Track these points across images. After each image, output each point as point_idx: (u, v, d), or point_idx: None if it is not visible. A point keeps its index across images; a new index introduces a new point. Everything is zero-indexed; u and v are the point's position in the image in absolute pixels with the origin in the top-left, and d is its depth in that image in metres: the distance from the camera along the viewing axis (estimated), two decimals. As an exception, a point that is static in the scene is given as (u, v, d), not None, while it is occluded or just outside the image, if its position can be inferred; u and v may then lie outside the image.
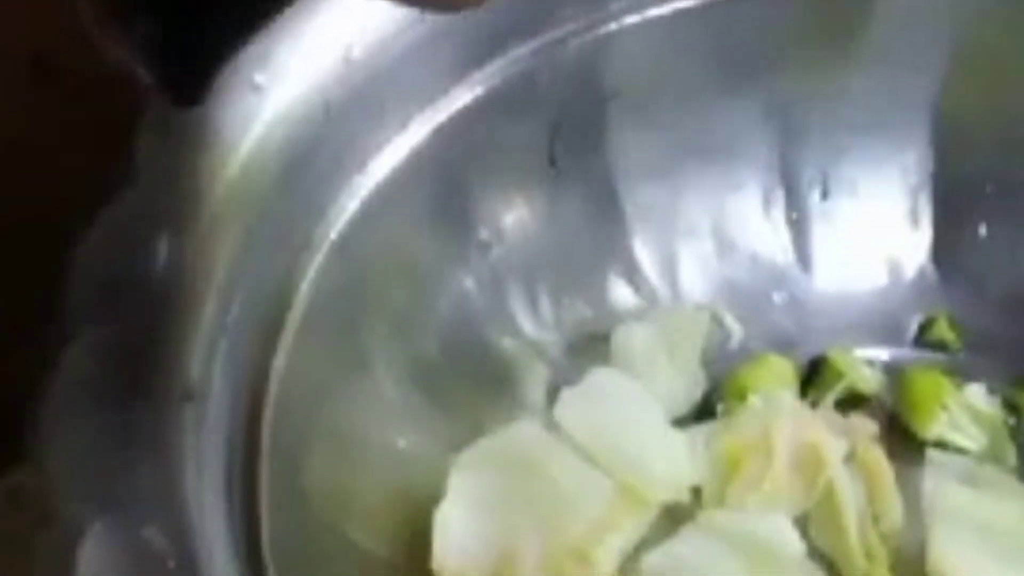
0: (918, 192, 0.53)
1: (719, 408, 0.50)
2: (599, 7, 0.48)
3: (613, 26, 0.48)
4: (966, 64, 0.50)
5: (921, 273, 0.53)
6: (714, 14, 0.49)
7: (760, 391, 0.49)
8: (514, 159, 0.48)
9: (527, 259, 0.49)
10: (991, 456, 0.49)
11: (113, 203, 0.37)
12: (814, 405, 0.49)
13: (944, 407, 0.50)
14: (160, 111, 0.38)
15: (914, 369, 0.51)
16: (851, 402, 0.50)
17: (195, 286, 0.38)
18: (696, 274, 0.52)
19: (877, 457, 0.47)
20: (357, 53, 0.43)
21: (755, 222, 0.53)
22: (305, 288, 0.42)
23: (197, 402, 0.37)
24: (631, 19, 0.48)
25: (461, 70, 0.46)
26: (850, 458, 0.47)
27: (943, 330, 0.52)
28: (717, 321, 0.52)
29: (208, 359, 0.38)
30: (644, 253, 0.51)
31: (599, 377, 0.48)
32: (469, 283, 0.48)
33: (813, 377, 0.51)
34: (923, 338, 0.53)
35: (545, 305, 0.50)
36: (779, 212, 0.53)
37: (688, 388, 0.50)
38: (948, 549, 0.45)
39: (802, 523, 0.46)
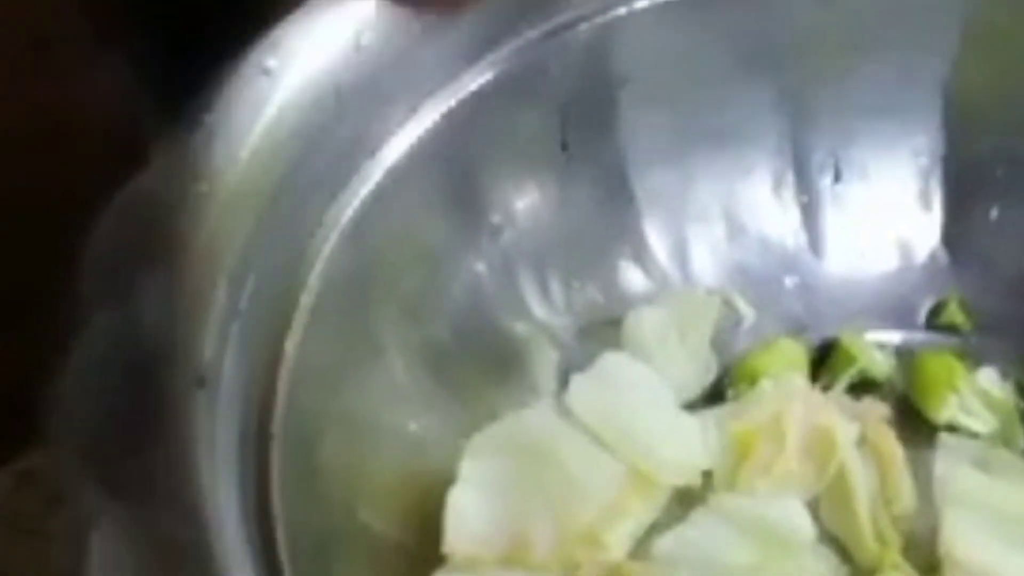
0: (929, 175, 0.53)
1: (730, 392, 0.50)
2: (609, -9, 0.48)
3: (623, 11, 0.48)
4: (977, 46, 0.50)
5: (932, 256, 0.53)
6: (724, -2, 0.49)
7: (771, 375, 0.49)
8: (525, 144, 0.48)
9: (538, 244, 0.49)
10: (1003, 439, 0.49)
11: (124, 188, 0.37)
12: (825, 389, 0.49)
13: (955, 390, 0.50)
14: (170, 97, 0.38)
15: (926, 352, 0.51)
16: (862, 386, 0.50)
17: (207, 271, 0.38)
18: (707, 258, 0.52)
19: (889, 441, 0.47)
20: (368, 39, 0.43)
21: (766, 206, 0.52)
22: (317, 273, 0.42)
23: (209, 386, 0.37)
24: (641, 3, 0.48)
25: (472, 55, 0.46)
26: (861, 442, 0.47)
27: (954, 313, 0.52)
28: (728, 305, 0.52)
29: (220, 343, 0.38)
30: (655, 237, 0.51)
31: (610, 361, 0.48)
32: (480, 267, 0.48)
33: (824, 361, 0.51)
34: (934, 321, 0.53)
35: (556, 289, 0.50)
36: (790, 195, 0.53)
37: (699, 372, 0.50)
38: (960, 532, 0.44)
39: (813, 507, 0.46)
